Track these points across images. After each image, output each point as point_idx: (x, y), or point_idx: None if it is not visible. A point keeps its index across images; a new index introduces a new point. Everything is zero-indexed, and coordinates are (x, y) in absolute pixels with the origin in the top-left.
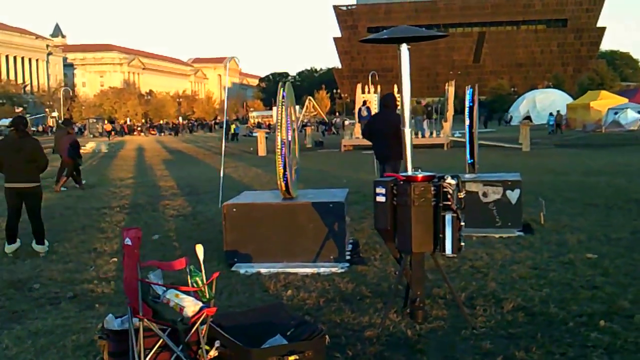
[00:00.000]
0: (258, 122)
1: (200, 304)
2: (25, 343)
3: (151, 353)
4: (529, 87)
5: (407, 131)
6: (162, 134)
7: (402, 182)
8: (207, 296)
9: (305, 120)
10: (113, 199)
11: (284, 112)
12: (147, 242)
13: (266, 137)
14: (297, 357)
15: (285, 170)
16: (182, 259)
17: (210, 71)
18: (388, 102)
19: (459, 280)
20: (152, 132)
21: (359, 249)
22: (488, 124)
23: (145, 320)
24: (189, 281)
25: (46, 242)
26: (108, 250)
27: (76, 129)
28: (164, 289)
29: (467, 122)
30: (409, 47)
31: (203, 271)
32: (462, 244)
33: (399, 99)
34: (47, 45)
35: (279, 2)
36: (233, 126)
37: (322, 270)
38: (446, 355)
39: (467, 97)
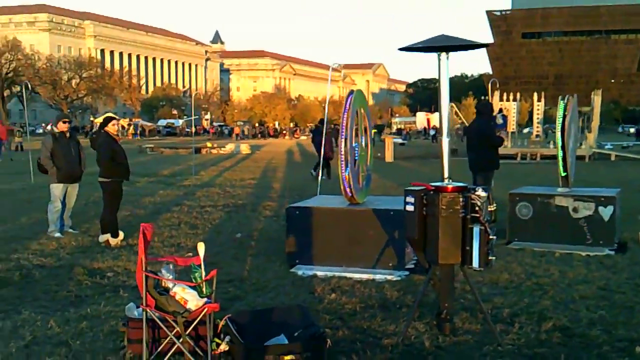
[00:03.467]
0: (398, 129)
1: (205, 299)
2: (68, 325)
3: (165, 342)
4: None
5: (445, 140)
6: (306, 137)
7: (431, 192)
8: (205, 292)
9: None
10: (222, 198)
11: (349, 120)
12: (228, 240)
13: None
14: (294, 357)
15: (346, 175)
16: (197, 256)
17: (358, 77)
18: (481, 109)
19: (512, 296)
20: (297, 135)
21: None
22: None
23: (147, 309)
24: (191, 277)
25: (121, 234)
26: (190, 245)
27: (226, 132)
28: (174, 283)
29: (559, 134)
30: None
31: (202, 268)
32: (492, 258)
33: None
34: (206, 52)
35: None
36: (374, 131)
37: (377, 277)
38: None
39: (561, 108)
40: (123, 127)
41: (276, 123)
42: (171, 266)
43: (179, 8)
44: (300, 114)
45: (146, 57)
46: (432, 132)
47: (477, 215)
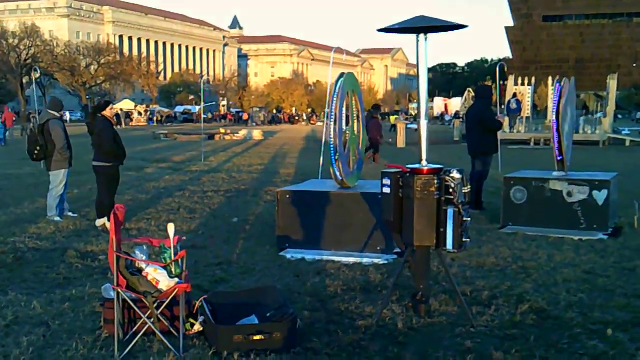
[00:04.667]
0: (413, 115)
1: (176, 280)
2: (51, 306)
3: (140, 322)
4: None
5: (423, 123)
6: (322, 123)
7: (407, 174)
8: (174, 272)
9: (460, 113)
10: (226, 183)
11: (337, 103)
12: (224, 224)
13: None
14: (263, 337)
15: (336, 159)
16: (175, 237)
17: (376, 62)
18: (480, 93)
19: (494, 279)
20: (313, 122)
21: None
22: None
23: (118, 289)
24: (160, 258)
25: (105, 219)
26: (185, 229)
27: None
28: (147, 263)
29: (553, 117)
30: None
31: (172, 249)
32: (466, 240)
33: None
34: (224, 37)
35: None
36: (393, 117)
37: (364, 260)
38: (423, 349)
39: (555, 91)
40: (140, 113)
41: (293, 109)
42: (144, 247)
43: None
44: (317, 100)
45: (164, 43)
46: (447, 118)
47: (451, 197)
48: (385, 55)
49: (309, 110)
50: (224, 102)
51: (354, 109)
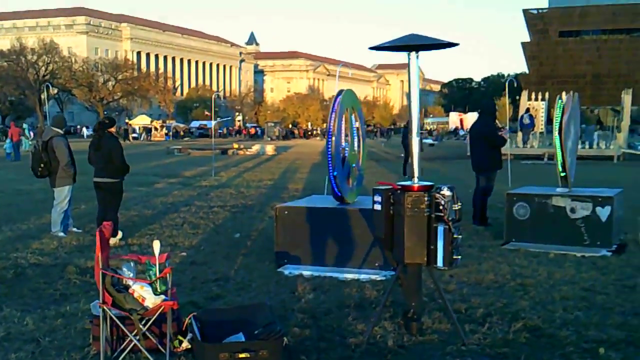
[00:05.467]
0: (429, 130)
1: (163, 297)
2: (44, 323)
3: (128, 340)
4: None
5: (415, 140)
6: None
7: (398, 191)
8: (159, 289)
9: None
10: (233, 198)
11: (336, 120)
12: (225, 240)
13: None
14: (249, 355)
15: (334, 176)
16: (163, 254)
17: (392, 77)
18: (484, 108)
19: (491, 297)
20: None
21: None
22: None
23: (104, 307)
24: (146, 275)
25: (120, 233)
26: (186, 244)
27: (259, 132)
28: (133, 281)
29: (556, 133)
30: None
31: (157, 266)
32: (457, 257)
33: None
34: (240, 53)
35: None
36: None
37: (362, 276)
38: None
39: (558, 107)
40: (156, 128)
41: (309, 124)
42: (132, 264)
43: (215, 10)
44: None
45: (181, 59)
46: (461, 132)
47: (442, 214)
48: (402, 70)
49: (325, 125)
50: (240, 118)
51: (354, 126)
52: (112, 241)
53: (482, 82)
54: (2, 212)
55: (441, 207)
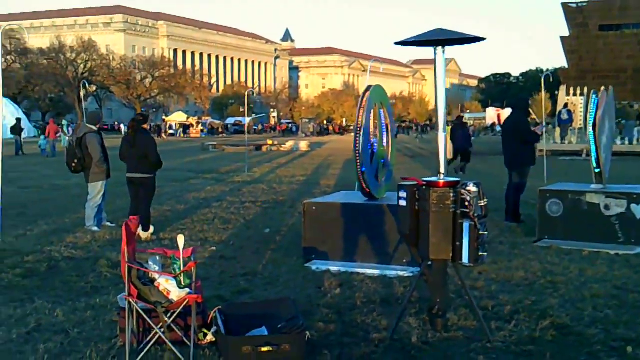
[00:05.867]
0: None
1: (187, 290)
2: (74, 314)
3: (154, 332)
4: None
5: (441, 136)
6: None
7: (423, 187)
8: (183, 283)
9: None
10: (265, 194)
11: (364, 115)
12: (256, 235)
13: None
14: (271, 349)
15: (362, 172)
16: (188, 249)
17: (429, 72)
18: (517, 104)
19: (520, 294)
20: None
21: None
22: None
23: (130, 299)
24: (171, 269)
25: (152, 228)
26: (217, 239)
27: (294, 129)
28: (159, 274)
29: (590, 130)
30: None
31: (181, 260)
32: (483, 254)
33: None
34: (275, 50)
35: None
36: (448, 128)
37: (389, 272)
38: None
39: (592, 103)
40: (192, 125)
41: (344, 120)
42: (158, 257)
43: (250, 7)
44: None
45: (217, 56)
46: (497, 128)
47: (467, 210)
48: None
49: None
50: (275, 114)
51: (383, 121)
52: (144, 235)
53: (520, 77)
54: (38, 207)
55: (467, 203)
